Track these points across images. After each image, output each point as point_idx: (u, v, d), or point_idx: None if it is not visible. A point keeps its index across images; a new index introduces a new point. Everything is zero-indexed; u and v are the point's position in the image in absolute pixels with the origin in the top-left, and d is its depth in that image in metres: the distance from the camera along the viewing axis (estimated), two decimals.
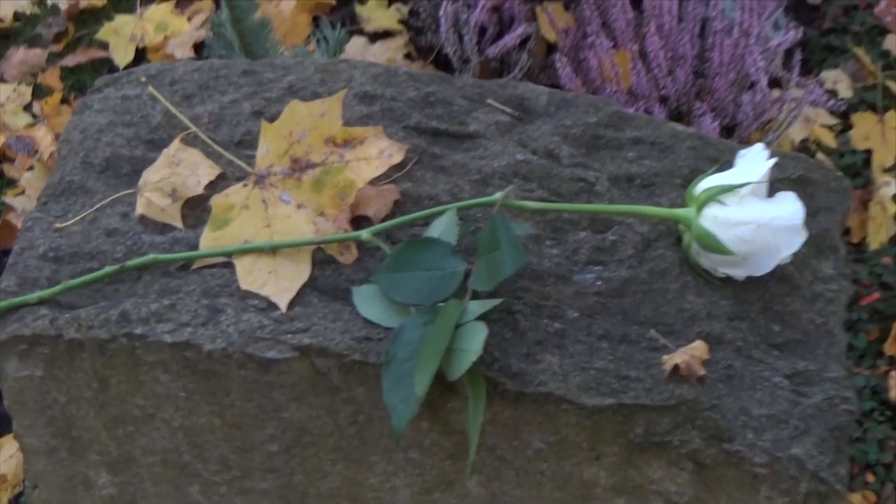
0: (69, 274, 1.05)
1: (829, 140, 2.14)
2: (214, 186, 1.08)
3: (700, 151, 1.15)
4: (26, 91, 2.35)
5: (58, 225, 1.08)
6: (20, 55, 2.42)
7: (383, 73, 1.17)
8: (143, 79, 1.13)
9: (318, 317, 1.01)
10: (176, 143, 1.09)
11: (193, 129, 1.11)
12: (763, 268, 1.05)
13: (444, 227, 1.02)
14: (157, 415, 1.05)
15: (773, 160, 1.04)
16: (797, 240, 1.03)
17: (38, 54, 2.42)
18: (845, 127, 2.20)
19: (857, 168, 2.17)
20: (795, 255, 1.08)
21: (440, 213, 1.03)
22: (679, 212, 1.06)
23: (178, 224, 1.07)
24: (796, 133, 2.09)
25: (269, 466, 1.07)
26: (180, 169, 1.07)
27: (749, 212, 1.03)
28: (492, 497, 1.06)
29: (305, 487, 1.08)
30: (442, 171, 1.10)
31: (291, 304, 1.01)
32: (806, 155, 1.19)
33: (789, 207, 1.03)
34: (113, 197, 1.09)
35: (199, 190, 1.07)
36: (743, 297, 1.06)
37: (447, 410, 1.00)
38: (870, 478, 1.86)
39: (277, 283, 1.02)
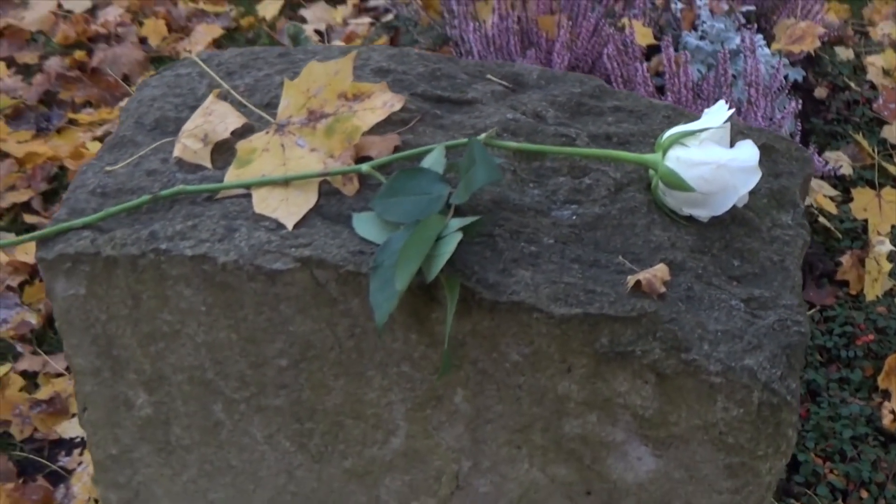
0: (112, 205, 1.01)
1: (831, 208, 2.05)
2: (241, 136, 1.04)
3: (673, 119, 1.08)
4: None
5: (107, 168, 1.04)
6: None
7: (397, 53, 1.13)
8: (189, 50, 1.10)
9: (319, 235, 0.95)
10: (210, 98, 1.05)
11: (231, 92, 1.07)
12: (723, 206, 0.97)
13: (433, 161, 0.97)
14: (183, 330, 1.00)
15: (732, 111, 0.98)
16: (753, 179, 0.96)
17: None
18: (845, 199, 2.12)
19: (856, 233, 2.07)
20: (756, 204, 1.00)
21: (432, 151, 0.98)
22: (647, 156, 0.99)
23: (208, 164, 1.02)
24: None
25: (281, 382, 1.00)
26: (212, 118, 1.03)
27: (709, 154, 0.96)
28: (477, 413, 0.98)
29: (313, 404, 1.01)
30: (441, 128, 1.05)
31: (297, 226, 0.96)
32: (769, 130, 1.12)
33: (746, 151, 0.96)
34: (155, 145, 1.05)
35: (226, 135, 1.03)
36: (705, 234, 0.99)
37: (432, 321, 0.93)
38: (864, 494, 1.73)
39: (287, 208, 0.97)
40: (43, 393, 1.85)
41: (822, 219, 2.02)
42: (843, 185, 2.12)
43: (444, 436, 1.00)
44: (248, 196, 0.99)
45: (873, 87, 2.30)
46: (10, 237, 2.10)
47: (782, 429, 0.92)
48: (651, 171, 0.99)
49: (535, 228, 0.96)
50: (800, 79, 2.15)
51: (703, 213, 0.98)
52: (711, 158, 0.95)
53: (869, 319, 1.93)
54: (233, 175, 1.00)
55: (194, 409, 1.05)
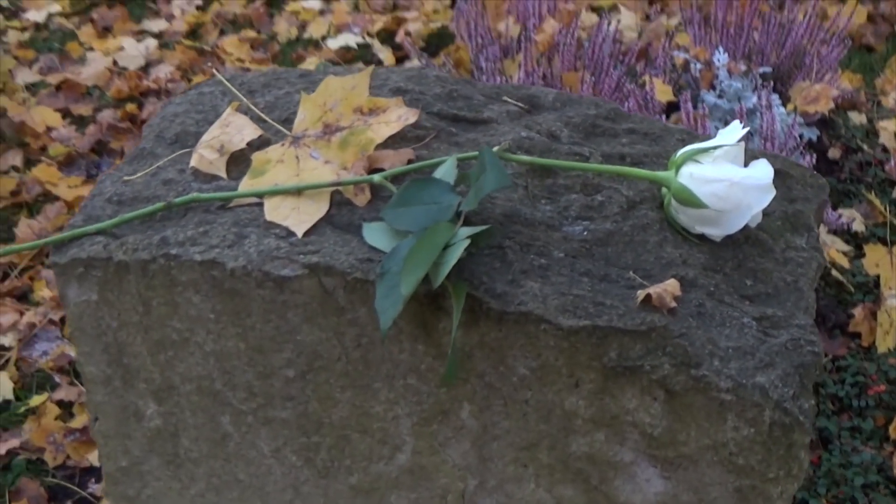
0: (127, 213, 0.94)
1: (844, 262, 1.96)
2: (257, 149, 0.97)
3: (688, 142, 1.01)
4: None
5: (126, 178, 0.98)
6: None
7: (416, 75, 1.07)
8: (210, 64, 1.05)
9: (328, 243, 0.88)
10: (228, 110, 0.99)
11: (251, 107, 1.01)
12: (736, 225, 0.90)
13: (444, 172, 0.90)
14: (192, 339, 0.93)
15: (747, 129, 0.90)
16: (766, 197, 0.88)
17: None
18: (857, 255, 2.02)
19: (868, 287, 1.98)
20: (770, 227, 0.93)
21: (443, 163, 0.91)
22: (660, 174, 0.92)
23: (223, 174, 0.96)
24: None
25: (288, 394, 0.93)
26: (229, 129, 0.97)
27: (723, 171, 0.89)
28: (483, 429, 0.90)
29: (320, 416, 0.93)
30: (455, 144, 0.98)
31: (307, 234, 0.89)
32: (785, 157, 1.04)
33: (760, 169, 0.89)
34: (173, 156, 0.99)
35: (242, 145, 0.96)
36: (718, 254, 0.91)
37: (440, 332, 0.86)
38: None
39: (298, 216, 0.90)
40: (77, 422, 1.79)
41: (834, 272, 1.93)
42: (856, 242, 2.03)
43: (450, 452, 0.92)
44: (261, 205, 0.92)
45: (885, 150, 2.22)
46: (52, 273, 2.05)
47: (794, 451, 0.84)
48: (664, 189, 0.92)
49: (545, 242, 0.89)
50: (814, 138, 2.07)
51: (715, 232, 0.91)
52: (725, 175, 0.88)
53: (881, 370, 1.83)
54: (247, 185, 0.93)
55: (202, 421, 0.97)
